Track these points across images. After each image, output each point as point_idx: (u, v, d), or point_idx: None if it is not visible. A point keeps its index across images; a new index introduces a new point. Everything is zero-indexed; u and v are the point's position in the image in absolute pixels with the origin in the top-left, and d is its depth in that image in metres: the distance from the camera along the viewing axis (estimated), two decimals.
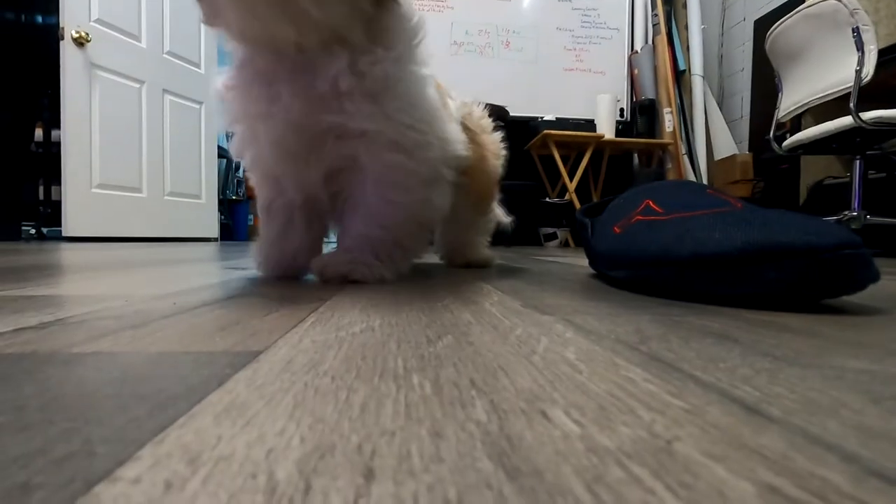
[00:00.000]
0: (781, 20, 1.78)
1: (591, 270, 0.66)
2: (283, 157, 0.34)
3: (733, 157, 3.23)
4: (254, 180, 0.43)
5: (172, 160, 2.82)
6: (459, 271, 0.50)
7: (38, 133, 2.55)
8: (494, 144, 0.57)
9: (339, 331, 0.22)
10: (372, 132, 0.34)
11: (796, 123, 2.09)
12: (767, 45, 1.93)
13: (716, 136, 3.47)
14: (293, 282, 0.38)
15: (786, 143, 1.87)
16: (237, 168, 4.91)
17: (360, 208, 0.36)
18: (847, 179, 1.90)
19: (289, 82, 0.33)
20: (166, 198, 2.79)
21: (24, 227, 2.51)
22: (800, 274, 0.27)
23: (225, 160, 4.64)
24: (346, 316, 0.26)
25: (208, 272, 0.47)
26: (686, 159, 3.26)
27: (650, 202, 0.38)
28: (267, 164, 0.36)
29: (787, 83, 1.87)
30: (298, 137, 0.34)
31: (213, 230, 3.17)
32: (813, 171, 2.38)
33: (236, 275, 0.44)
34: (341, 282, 0.36)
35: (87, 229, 2.35)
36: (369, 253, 0.37)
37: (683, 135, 3.30)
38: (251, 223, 4.95)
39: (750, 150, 3.45)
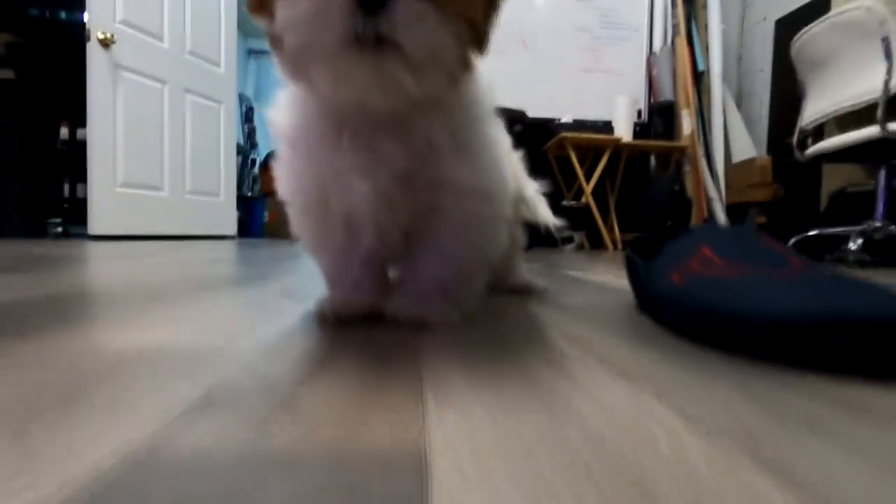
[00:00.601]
0: (808, 28, 1.76)
1: (629, 298, 0.67)
2: (378, 208, 0.36)
3: (752, 160, 3.20)
4: (307, 225, 0.42)
5: (193, 159, 2.85)
6: (513, 307, 0.52)
7: (64, 131, 2.60)
8: (518, 166, 0.59)
9: (484, 422, 0.24)
10: (461, 182, 0.36)
11: (818, 130, 2.08)
12: (793, 52, 1.92)
13: (734, 137, 3.44)
14: (365, 327, 0.39)
15: (809, 150, 1.86)
16: (253, 165, 4.96)
17: (434, 251, 0.38)
18: (870, 188, 1.89)
19: (386, 137, 0.35)
20: (187, 196, 2.83)
21: (49, 223, 2.56)
22: (873, 346, 0.29)
23: (242, 157, 4.68)
24: (458, 391, 0.27)
25: (264, 303, 0.49)
26: (704, 162, 3.24)
27: (707, 250, 0.39)
28: (352, 213, 0.37)
29: (812, 91, 1.86)
30: (400, 189, 0.35)
31: (232, 227, 3.21)
32: (835, 177, 2.37)
33: (298, 310, 0.45)
34: (415, 324, 0.38)
35: (112, 228, 2.39)
36: (441, 294, 0.39)
37: (701, 137, 3.28)
38: (266, 219, 5.00)
39: (769, 152, 3.43)
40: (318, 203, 0.38)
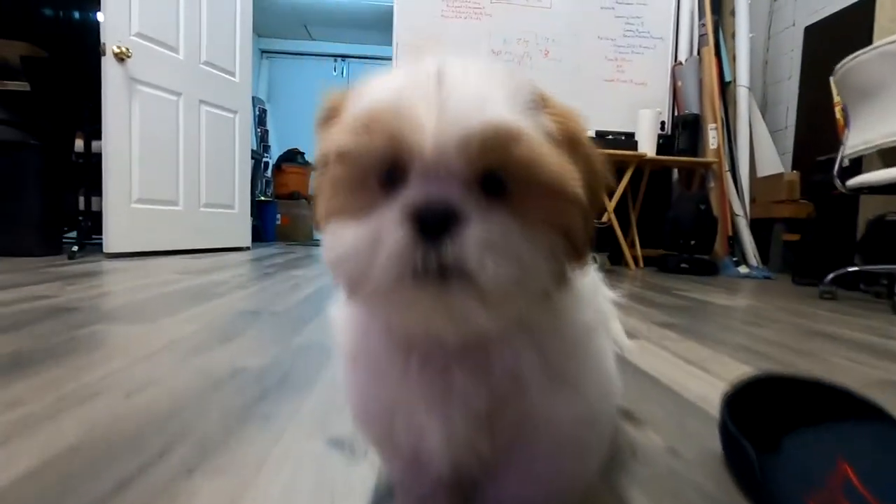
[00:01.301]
0: (855, 55, 1.67)
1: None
2: (451, 449, 0.29)
3: (780, 175, 3.10)
4: (372, 437, 0.36)
5: (208, 171, 2.81)
6: None
7: (79, 143, 2.56)
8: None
9: None
10: (558, 417, 0.29)
11: (856, 158, 1.98)
12: (836, 77, 1.82)
13: (759, 149, 3.34)
14: None
15: (851, 182, 1.77)
16: (265, 168, 4.92)
17: (522, 474, 0.32)
18: None
19: (463, 366, 0.28)
20: (202, 209, 2.79)
21: (65, 238, 2.53)
22: None
23: (254, 161, 4.64)
24: None
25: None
26: (729, 176, 3.14)
27: (848, 469, 0.33)
28: (422, 449, 0.30)
29: (857, 120, 1.76)
30: (477, 428, 0.29)
31: (246, 239, 3.17)
32: (873, 201, 2.27)
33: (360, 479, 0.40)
34: None
35: (127, 245, 2.36)
36: None
37: (727, 150, 3.18)
38: (278, 222, 4.97)
39: (794, 165, 3.32)
40: (383, 429, 0.31)
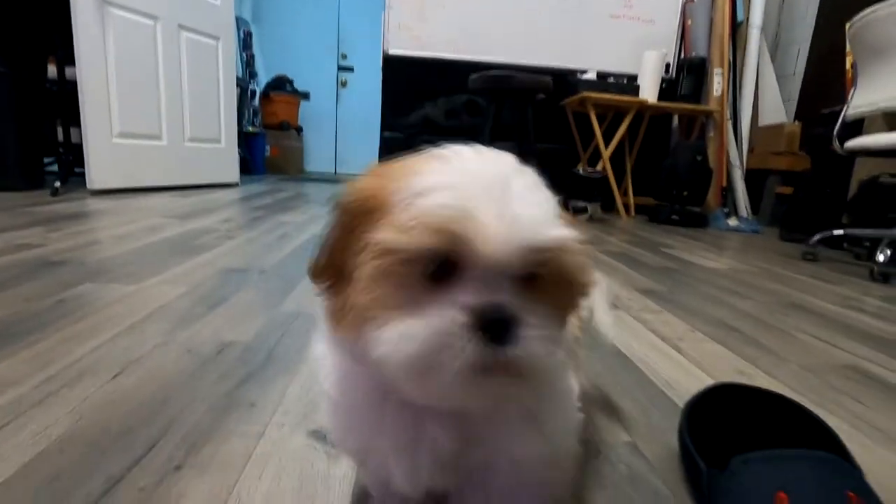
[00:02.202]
0: (870, 10, 1.58)
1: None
2: (416, 485, 0.31)
3: (781, 126, 3.03)
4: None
5: (191, 103, 2.69)
6: None
7: (52, 70, 2.41)
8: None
9: None
10: (527, 454, 0.31)
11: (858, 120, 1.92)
12: (849, 33, 1.73)
13: (764, 96, 3.24)
14: None
15: (849, 144, 1.74)
16: (252, 97, 4.71)
17: (487, 499, 0.34)
18: None
19: (432, 416, 0.29)
20: (186, 144, 2.71)
21: (47, 170, 2.46)
22: None
23: (240, 89, 4.43)
24: None
25: None
26: (730, 125, 3.07)
27: (784, 499, 0.36)
28: (387, 484, 0.33)
29: (865, 79, 1.70)
30: (442, 471, 0.31)
31: (234, 174, 3.11)
32: (869, 162, 2.24)
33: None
34: None
35: (111, 181, 2.31)
36: None
37: (730, 97, 3.08)
38: (268, 154, 4.84)
39: (797, 115, 3.24)
40: (359, 459, 0.34)
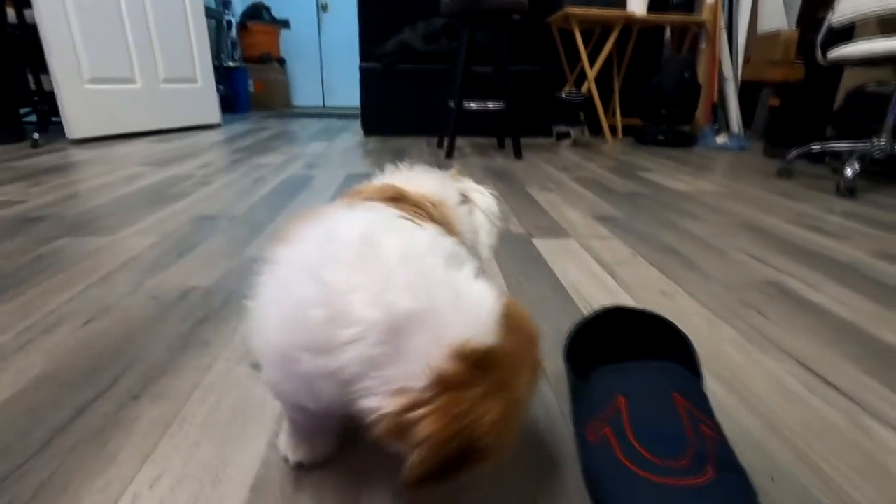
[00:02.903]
0: None
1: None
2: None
3: (777, 34, 2.89)
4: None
5: (160, 41, 2.60)
6: None
7: (11, 13, 2.32)
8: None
9: None
10: None
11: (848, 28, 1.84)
12: None
13: (765, 2, 3.05)
14: None
15: (832, 54, 1.69)
16: (229, 28, 4.50)
17: None
18: (890, 90, 1.75)
19: None
20: (162, 86, 2.65)
21: (25, 121, 2.45)
22: None
23: (215, 20, 4.23)
24: None
25: None
26: (724, 34, 2.92)
27: (623, 404, 0.42)
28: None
29: None
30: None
31: (214, 115, 3.06)
32: (858, 71, 2.17)
33: None
34: None
35: (89, 128, 2.30)
36: None
37: (725, 3, 2.91)
38: (251, 89, 4.71)
39: (799, 22, 3.07)
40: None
